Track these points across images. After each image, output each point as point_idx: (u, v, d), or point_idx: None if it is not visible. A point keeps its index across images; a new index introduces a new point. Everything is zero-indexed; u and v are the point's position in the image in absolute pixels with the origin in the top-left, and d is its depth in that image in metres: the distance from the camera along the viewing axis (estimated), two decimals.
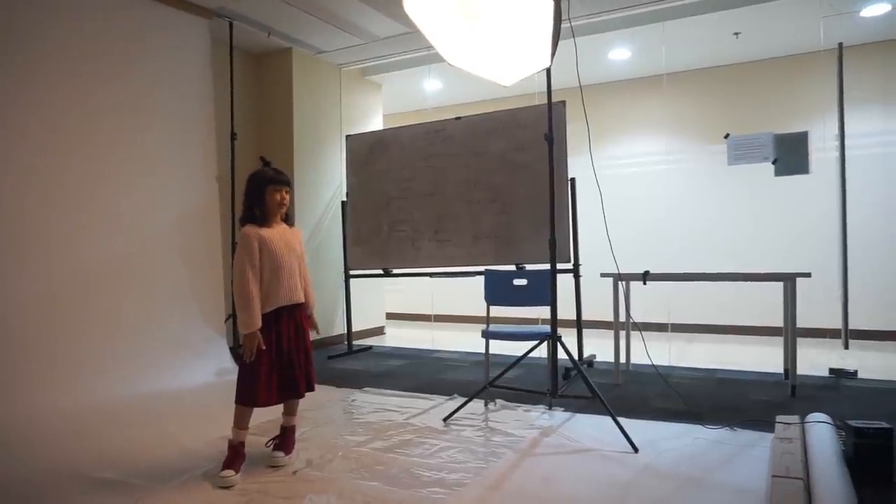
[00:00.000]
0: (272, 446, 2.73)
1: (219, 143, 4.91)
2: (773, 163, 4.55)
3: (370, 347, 5.90)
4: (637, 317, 4.27)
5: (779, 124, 5.57)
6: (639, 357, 4.19)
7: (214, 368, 4.38)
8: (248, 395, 2.56)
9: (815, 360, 4.60)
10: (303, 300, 2.73)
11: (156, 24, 4.48)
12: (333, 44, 5.76)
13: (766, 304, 5.66)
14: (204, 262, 4.66)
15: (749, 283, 4.69)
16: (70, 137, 3.91)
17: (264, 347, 2.54)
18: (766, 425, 2.98)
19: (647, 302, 5.04)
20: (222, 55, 5.15)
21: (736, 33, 5.45)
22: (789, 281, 3.73)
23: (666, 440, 2.88)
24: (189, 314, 4.51)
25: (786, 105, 5.98)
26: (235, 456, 2.55)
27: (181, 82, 4.65)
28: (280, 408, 2.77)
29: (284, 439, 2.75)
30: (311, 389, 2.74)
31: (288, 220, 2.76)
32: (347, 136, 5.85)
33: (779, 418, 2.93)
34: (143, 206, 4.31)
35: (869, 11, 4.98)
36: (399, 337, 6.64)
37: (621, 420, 2.90)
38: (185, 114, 4.67)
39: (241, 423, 2.59)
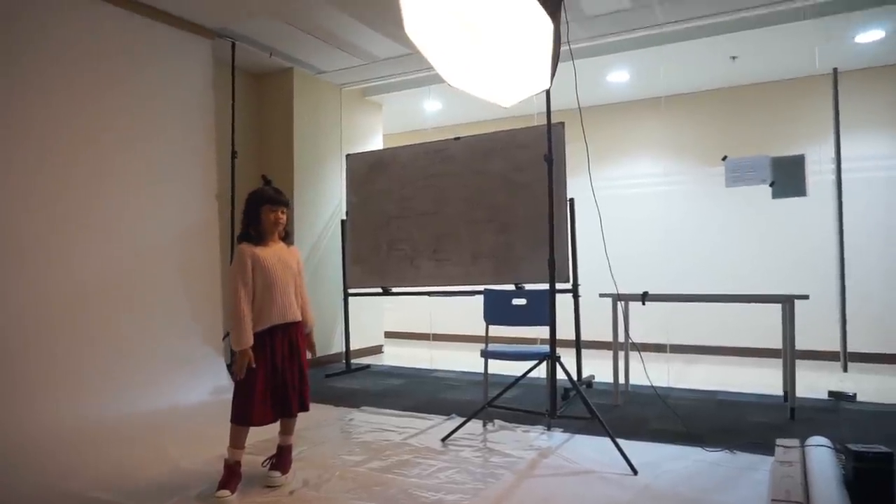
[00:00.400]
0: (269, 466, 2.70)
1: (219, 161, 4.94)
2: (771, 185, 4.58)
3: (368, 366, 5.87)
4: (636, 337, 4.26)
5: (776, 147, 5.61)
6: (638, 378, 4.17)
7: (211, 386, 4.35)
8: (243, 414, 2.55)
9: (814, 383, 4.59)
10: (299, 318, 2.73)
11: (159, 44, 4.53)
12: (334, 64, 5.82)
13: (765, 326, 5.64)
14: (202, 280, 4.66)
15: (748, 304, 4.69)
16: (71, 154, 3.94)
17: (254, 366, 2.53)
18: (766, 448, 2.96)
19: (646, 323, 5.04)
20: (224, 75, 5.20)
21: (733, 57, 5.52)
22: (788, 303, 3.73)
23: (665, 462, 2.86)
24: (186, 331, 4.49)
25: (782, 128, 6.03)
26: (231, 475, 2.53)
27: (183, 101, 4.69)
28: (277, 427, 2.75)
29: (281, 459, 2.73)
30: (305, 409, 2.73)
31: (287, 238, 2.78)
32: (347, 156, 5.89)
33: (779, 441, 2.92)
34: (143, 222, 4.32)
35: (863, 38, 5.05)
36: (397, 356, 6.61)
37: (620, 441, 2.88)
38: (186, 132, 4.70)
39: (236, 442, 2.58)
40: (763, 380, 4.88)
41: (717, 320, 6.08)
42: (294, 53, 5.57)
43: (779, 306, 3.87)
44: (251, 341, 2.54)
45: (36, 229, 3.71)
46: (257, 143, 6.03)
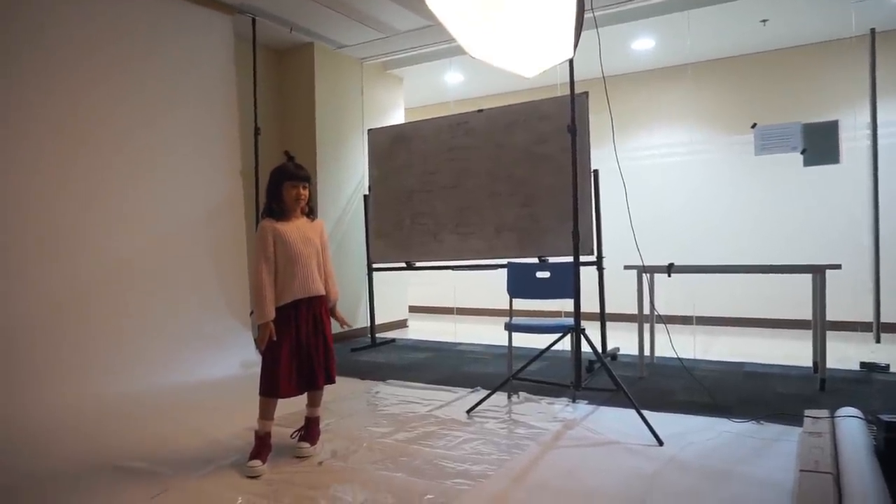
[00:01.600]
0: (297, 437, 2.77)
1: (242, 138, 4.97)
2: (802, 153, 4.46)
3: (393, 340, 5.93)
4: (661, 310, 4.22)
5: (807, 114, 5.45)
6: (663, 350, 4.15)
7: (239, 360, 4.44)
8: (270, 386, 2.61)
9: (845, 354, 4.52)
10: (322, 293, 2.76)
11: (180, 20, 4.53)
12: (355, 38, 5.78)
13: (793, 297, 5.55)
14: (228, 256, 4.73)
15: (777, 275, 4.61)
16: (96, 134, 3.99)
17: (275, 339, 2.58)
18: (794, 419, 2.93)
19: (671, 294, 4.99)
20: (245, 51, 5.20)
21: (763, 20, 5.34)
22: (819, 273, 3.66)
23: (691, 433, 2.85)
24: (214, 307, 4.58)
25: (815, 94, 5.85)
26: (262, 446, 2.59)
27: (205, 78, 4.71)
28: (305, 399, 2.80)
29: (309, 430, 2.79)
30: (331, 381, 2.76)
31: (310, 213, 2.80)
32: (369, 130, 5.87)
33: (807, 412, 2.89)
34: (168, 200, 4.37)
35: None
36: (422, 330, 6.67)
37: (645, 413, 2.88)
38: (208, 109, 4.72)
39: (265, 414, 2.63)
40: (792, 351, 4.81)
41: (745, 292, 6.00)
42: (314, 28, 5.53)
43: (808, 276, 3.80)
44: (272, 315, 2.59)
45: (63, 208, 3.79)
46: (280, 119, 6.04)
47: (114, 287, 3.97)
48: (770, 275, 4.86)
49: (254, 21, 5.15)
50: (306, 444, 2.71)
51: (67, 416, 3.28)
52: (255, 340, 4.70)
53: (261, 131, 5.20)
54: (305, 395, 2.76)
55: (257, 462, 2.51)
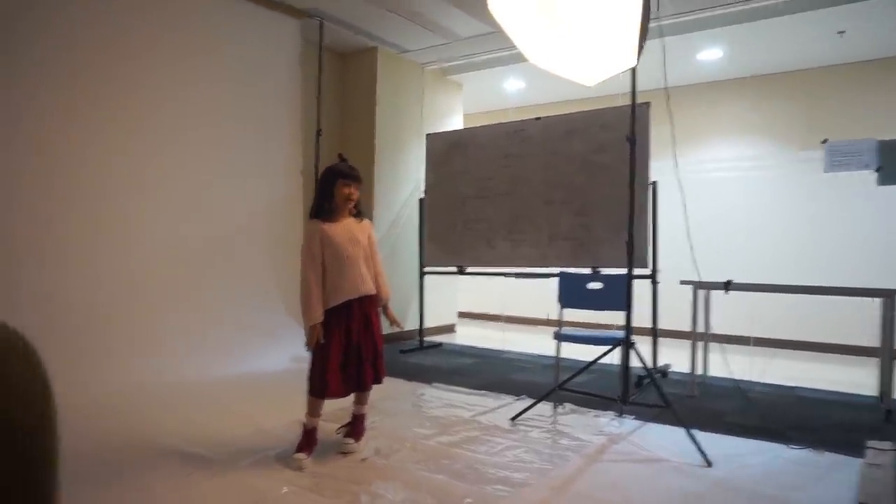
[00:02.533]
0: (343, 433, 2.82)
1: (304, 138, 5.10)
2: (877, 171, 4.25)
3: (441, 344, 5.96)
4: (717, 328, 4.10)
5: (883, 130, 5.20)
6: (716, 370, 4.02)
7: (291, 354, 4.55)
8: (319, 388, 2.63)
9: None
10: (372, 292, 2.76)
11: (250, 24, 4.71)
12: (417, 43, 5.86)
13: (859, 322, 5.29)
14: (286, 253, 4.85)
15: (841, 298, 4.40)
16: (165, 129, 4.18)
17: (323, 341, 2.60)
18: (855, 449, 2.80)
19: (728, 313, 4.83)
20: (311, 53, 5.34)
21: (840, 32, 5.12)
22: (888, 297, 3.48)
23: (742, 456, 2.76)
24: (269, 301, 4.71)
25: (892, 109, 5.57)
26: (308, 440, 2.66)
27: (271, 79, 4.87)
28: (352, 395, 2.85)
29: (355, 427, 2.84)
30: (379, 382, 2.78)
31: (359, 214, 2.81)
32: (427, 135, 5.92)
33: (870, 443, 2.76)
34: (231, 196, 4.54)
35: None
36: (469, 335, 6.67)
37: (695, 433, 2.81)
38: (273, 109, 4.88)
39: (313, 410, 2.69)
40: (855, 378, 4.59)
41: (807, 314, 5.75)
42: (379, 32, 5.64)
43: (876, 301, 3.62)
44: (320, 317, 2.61)
45: (132, 202, 3.98)
46: (340, 121, 6.17)
47: (174, 278, 4.15)
48: (834, 297, 4.65)
49: (321, 25, 5.28)
50: (351, 441, 2.76)
51: (124, 399, 3.44)
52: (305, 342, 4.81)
53: (322, 132, 5.33)
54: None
55: (303, 455, 2.57)
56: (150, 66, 4.08)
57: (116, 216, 3.89)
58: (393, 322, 2.89)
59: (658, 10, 3.01)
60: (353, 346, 2.69)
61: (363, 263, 2.75)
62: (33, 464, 0.51)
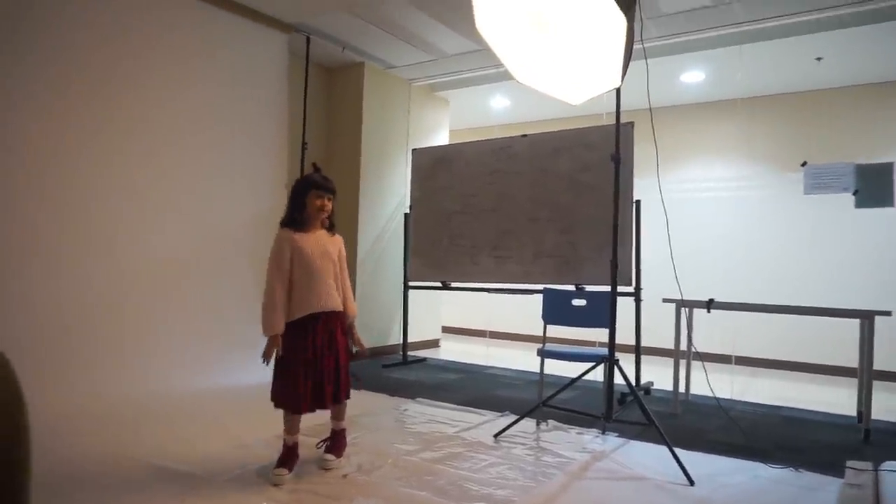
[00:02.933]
0: (323, 448, 2.78)
1: (290, 151, 5.10)
2: (854, 194, 4.34)
3: (425, 359, 5.93)
4: (699, 346, 4.13)
5: (860, 154, 5.32)
6: (699, 388, 4.05)
7: (272, 367, 4.50)
8: (290, 402, 2.57)
9: (892, 406, 4.33)
10: (339, 308, 2.68)
11: (238, 37, 4.71)
12: (404, 59, 5.90)
13: (838, 342, 5.37)
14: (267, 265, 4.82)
15: (822, 318, 4.47)
16: (151, 141, 4.14)
17: (280, 353, 2.55)
18: (835, 469, 2.82)
19: (710, 331, 4.88)
20: (298, 67, 5.35)
21: (818, 58, 5.25)
22: (867, 319, 3.54)
23: (724, 475, 2.77)
24: (252, 314, 4.63)
25: (869, 135, 5.70)
26: (289, 455, 2.62)
27: (258, 92, 4.86)
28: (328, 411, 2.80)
29: (335, 442, 2.80)
30: (339, 401, 2.69)
31: (331, 227, 2.76)
32: (413, 150, 5.95)
33: (850, 463, 2.78)
34: (215, 207, 4.51)
35: None
36: (453, 351, 6.65)
37: (677, 451, 2.81)
38: (259, 122, 4.87)
39: (289, 427, 2.64)
40: (835, 398, 4.64)
41: (787, 334, 5.82)
42: (366, 48, 5.67)
43: (856, 322, 3.67)
44: (281, 328, 2.55)
45: (114, 210, 3.94)
46: (326, 135, 6.18)
47: (155, 289, 4.09)
48: (815, 318, 4.71)
49: (308, 40, 5.30)
50: (332, 457, 2.72)
51: (101, 412, 3.37)
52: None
53: (308, 146, 5.33)
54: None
55: (283, 470, 2.53)
56: (138, 78, 4.06)
57: (102, 226, 3.84)
58: (357, 344, 2.80)
59: (642, 32, 3.06)
60: (313, 362, 2.60)
61: (332, 278, 2.68)
62: (4, 470, 0.50)
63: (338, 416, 2.82)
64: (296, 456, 2.65)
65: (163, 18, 4.21)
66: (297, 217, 2.66)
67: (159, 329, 4.07)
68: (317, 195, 2.64)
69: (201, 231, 4.40)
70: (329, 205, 2.68)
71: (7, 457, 0.50)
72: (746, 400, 4.46)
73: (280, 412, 2.66)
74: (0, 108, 3.42)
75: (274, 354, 2.57)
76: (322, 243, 2.67)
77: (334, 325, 2.68)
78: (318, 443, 2.83)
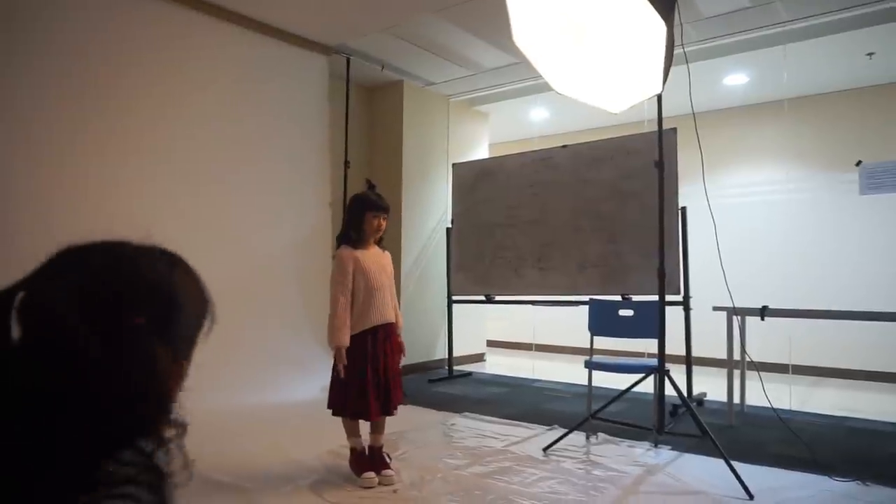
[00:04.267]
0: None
1: (332, 170, 5.19)
2: None
3: (470, 373, 5.91)
4: (753, 355, 4.00)
5: None
6: (754, 398, 3.91)
7: (320, 385, 4.55)
8: (351, 408, 2.70)
9: None
10: (393, 320, 2.84)
11: (280, 60, 4.84)
12: (443, 75, 5.95)
13: None
14: (315, 283, 4.89)
15: (884, 323, 4.27)
16: (195, 165, 4.27)
17: (345, 364, 2.65)
18: None
19: (765, 340, 4.72)
20: (338, 88, 5.46)
21: (869, 54, 5.07)
22: None
23: (785, 489, 2.66)
24: (299, 332, 4.74)
25: None
26: (362, 459, 2.72)
27: (300, 114, 4.98)
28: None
29: (375, 461, 2.80)
30: (389, 413, 2.80)
31: (380, 243, 2.90)
32: (454, 165, 5.98)
33: None
34: (262, 227, 4.62)
35: None
36: (499, 364, 6.61)
37: (734, 464, 2.72)
38: (302, 143, 4.98)
39: (351, 433, 2.77)
40: None
41: (848, 340, 5.57)
42: (404, 66, 5.75)
43: None
44: (347, 342, 2.66)
45: (165, 233, 4.06)
46: (368, 153, 6.27)
47: None
48: (876, 323, 4.50)
49: (348, 61, 5.41)
50: (391, 472, 2.73)
51: None
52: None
53: (350, 164, 5.41)
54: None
55: (371, 474, 2.63)
56: (182, 104, 4.22)
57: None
58: (402, 351, 2.92)
59: (682, 37, 3.01)
60: (380, 372, 2.74)
61: (388, 292, 2.83)
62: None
63: (378, 430, 2.82)
64: (368, 459, 2.71)
65: (208, 45, 4.36)
66: (353, 235, 2.79)
67: (210, 350, 4.16)
68: (374, 215, 2.79)
69: (248, 252, 4.51)
70: (384, 224, 2.83)
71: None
72: (807, 410, 4.28)
73: (330, 427, 2.73)
74: (44, 139, 3.58)
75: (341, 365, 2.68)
76: (379, 260, 2.82)
77: (392, 337, 2.83)
78: None
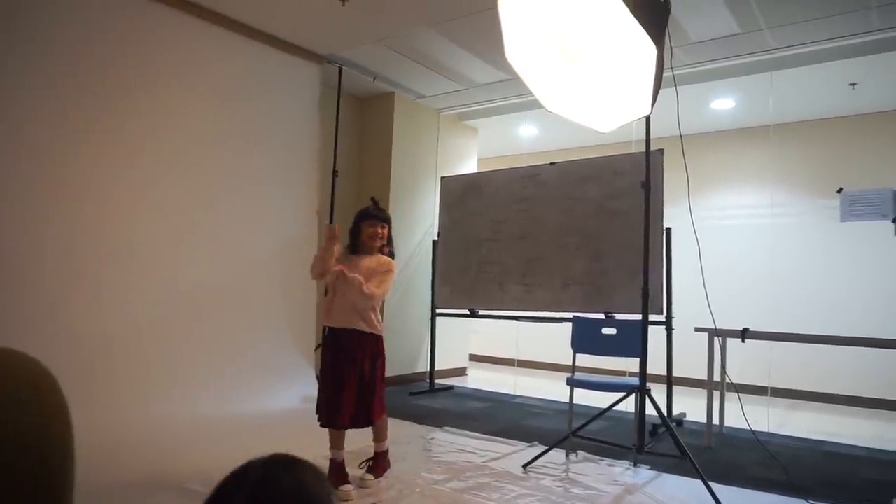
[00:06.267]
0: (365, 468, 2.87)
1: (321, 179, 5.18)
2: (894, 220, 4.22)
3: (452, 387, 5.89)
4: (733, 377, 4.02)
5: None
6: (733, 420, 3.94)
7: (301, 395, 4.52)
8: (326, 417, 2.75)
9: None
10: (364, 329, 2.82)
11: (272, 68, 4.84)
12: (434, 89, 5.98)
13: (881, 374, 5.19)
14: (299, 291, 4.87)
15: (863, 349, 4.32)
16: (184, 170, 4.25)
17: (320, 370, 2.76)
18: None
19: (745, 362, 4.76)
20: (330, 97, 5.46)
21: (852, 84, 5.18)
22: None
23: None
24: (281, 340, 4.70)
25: None
26: (335, 471, 2.70)
27: (291, 121, 4.98)
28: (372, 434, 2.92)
29: (376, 463, 2.88)
30: (366, 423, 2.83)
31: (381, 249, 2.95)
32: (442, 178, 5.99)
33: None
34: (248, 235, 4.59)
35: None
36: (481, 379, 6.60)
37: (712, 485, 2.73)
38: (292, 150, 4.97)
39: (331, 442, 2.77)
40: (880, 433, 4.46)
41: (826, 365, 5.63)
42: (396, 78, 5.77)
43: None
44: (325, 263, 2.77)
45: (152, 239, 4.03)
46: (357, 163, 6.27)
47: (188, 312, 4.16)
48: (855, 348, 4.56)
49: (340, 70, 5.42)
50: (370, 477, 2.81)
51: (136, 435, 3.41)
52: (316, 377, 4.81)
53: (339, 173, 5.40)
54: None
55: (349, 486, 2.65)
56: (173, 109, 4.19)
57: (134, 252, 3.94)
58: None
59: (671, 60, 3.05)
60: (343, 379, 2.75)
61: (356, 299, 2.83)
62: (48, 483, 0.52)
63: (376, 438, 2.90)
64: (344, 473, 2.70)
65: (199, 50, 4.35)
66: (351, 243, 2.95)
67: (194, 355, 4.12)
68: (370, 224, 2.91)
69: (235, 258, 4.48)
70: (382, 232, 2.92)
71: (53, 482, 0.53)
72: (785, 433, 4.31)
73: (310, 436, 2.80)
74: (42, 141, 3.55)
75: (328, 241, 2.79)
76: (365, 268, 2.83)
77: (365, 347, 2.81)
78: (361, 462, 2.92)
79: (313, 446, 2.71)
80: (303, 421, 2.85)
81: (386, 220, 2.95)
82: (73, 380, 3.40)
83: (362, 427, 2.80)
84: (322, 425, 2.78)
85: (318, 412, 2.80)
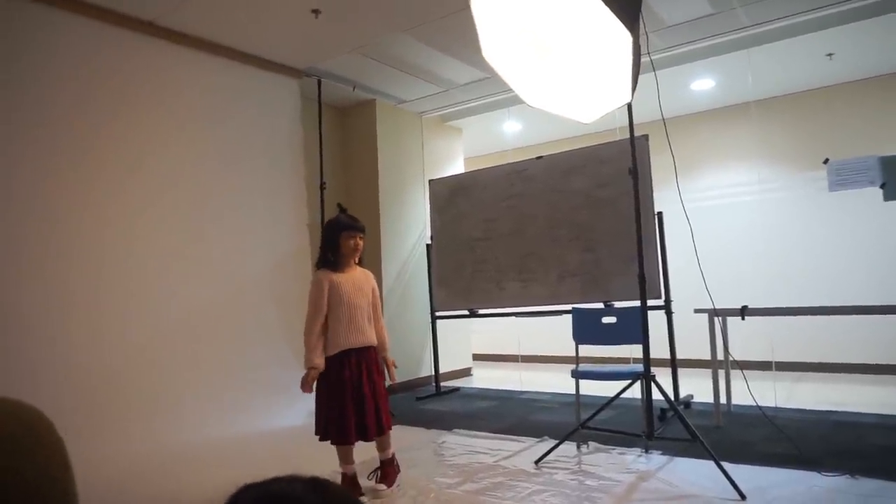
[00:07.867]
0: (374, 479, 2.84)
1: (309, 192, 5.17)
2: (882, 187, 4.24)
3: (458, 389, 5.88)
4: (736, 355, 4.03)
5: (883, 146, 5.21)
6: (740, 398, 3.94)
7: (305, 410, 4.49)
8: (333, 433, 2.70)
9: None
10: (373, 343, 2.82)
11: (252, 86, 4.83)
12: (414, 93, 5.98)
13: (882, 340, 5.22)
14: (296, 306, 4.83)
15: (862, 316, 4.34)
16: (174, 195, 4.24)
17: (325, 388, 2.70)
18: (894, 474, 2.71)
19: (747, 339, 4.77)
20: (311, 110, 5.45)
21: (829, 54, 5.20)
22: None
23: (775, 487, 2.68)
24: (281, 357, 4.68)
25: (889, 126, 5.60)
26: (349, 486, 2.68)
27: (274, 137, 4.97)
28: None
29: (384, 472, 2.86)
30: (382, 433, 2.81)
31: (359, 263, 2.90)
32: (430, 181, 5.99)
33: None
34: (239, 252, 4.57)
35: None
36: (486, 378, 6.59)
37: (725, 465, 2.73)
38: (277, 167, 4.96)
39: (344, 458, 2.75)
40: (887, 398, 4.48)
41: (827, 335, 5.65)
42: (376, 85, 5.76)
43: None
44: (320, 364, 2.69)
45: (145, 263, 4.01)
46: (344, 173, 6.26)
47: (185, 336, 4.14)
48: (854, 316, 4.58)
49: (319, 82, 5.41)
50: (382, 486, 2.79)
51: (139, 459, 3.39)
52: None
53: (326, 186, 5.39)
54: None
55: (364, 498, 2.63)
56: (158, 135, 4.18)
57: (128, 278, 3.92)
58: (389, 371, 2.92)
59: (648, 45, 3.06)
60: (357, 396, 2.73)
61: (367, 314, 2.82)
62: None
63: (381, 447, 2.87)
64: (357, 486, 2.68)
65: (173, 72, 4.34)
66: (331, 258, 2.80)
67: (195, 378, 4.10)
68: (349, 235, 2.79)
69: (226, 278, 4.46)
70: (361, 243, 2.84)
71: None
72: (792, 406, 4.32)
73: (318, 453, 2.72)
74: (32, 172, 3.54)
75: (314, 387, 2.70)
76: (357, 281, 2.81)
77: (369, 360, 2.80)
78: (369, 474, 2.89)
79: (323, 462, 2.70)
80: (309, 437, 2.84)
81: (364, 230, 2.86)
82: (71, 411, 3.40)
83: (381, 436, 2.80)
84: (333, 443, 2.73)
85: (320, 431, 2.75)
